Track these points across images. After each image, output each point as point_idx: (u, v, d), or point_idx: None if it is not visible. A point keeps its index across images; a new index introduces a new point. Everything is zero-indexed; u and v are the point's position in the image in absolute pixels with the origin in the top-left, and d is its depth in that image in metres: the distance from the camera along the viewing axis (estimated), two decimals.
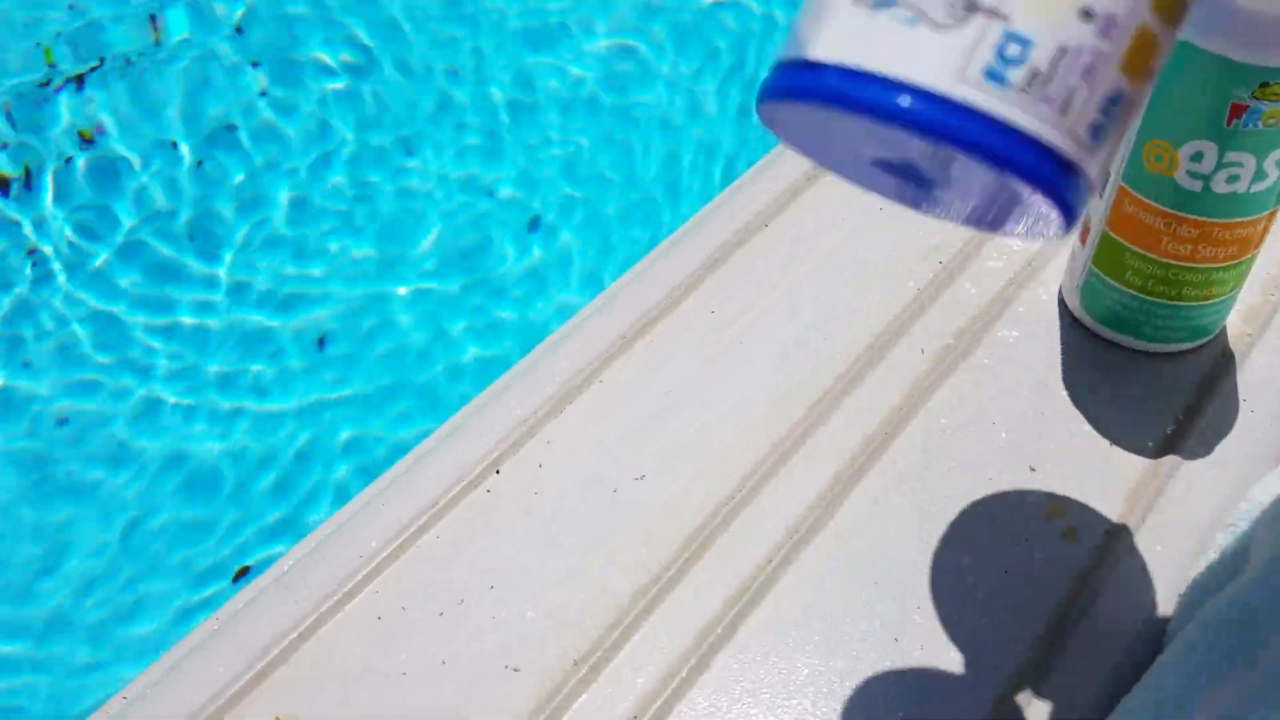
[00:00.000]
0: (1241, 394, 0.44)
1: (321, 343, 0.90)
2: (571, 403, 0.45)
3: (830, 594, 0.38)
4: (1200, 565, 0.38)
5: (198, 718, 0.36)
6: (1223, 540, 0.38)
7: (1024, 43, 0.17)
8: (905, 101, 0.17)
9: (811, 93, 0.18)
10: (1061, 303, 0.47)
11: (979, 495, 0.41)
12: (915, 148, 0.19)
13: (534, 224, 0.98)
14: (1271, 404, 0.43)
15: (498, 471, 0.42)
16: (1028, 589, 0.38)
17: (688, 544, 0.40)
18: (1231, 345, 0.45)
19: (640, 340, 0.47)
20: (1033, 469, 0.42)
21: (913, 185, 0.21)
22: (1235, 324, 0.46)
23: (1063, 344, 0.45)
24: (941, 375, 0.45)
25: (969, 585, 0.38)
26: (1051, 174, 0.18)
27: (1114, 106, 0.18)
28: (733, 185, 0.52)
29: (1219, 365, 0.45)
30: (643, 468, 0.42)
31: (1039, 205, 0.18)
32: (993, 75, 0.17)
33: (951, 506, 0.41)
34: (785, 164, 0.52)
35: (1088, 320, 0.45)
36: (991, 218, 0.21)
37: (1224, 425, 0.43)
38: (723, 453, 0.42)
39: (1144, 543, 0.39)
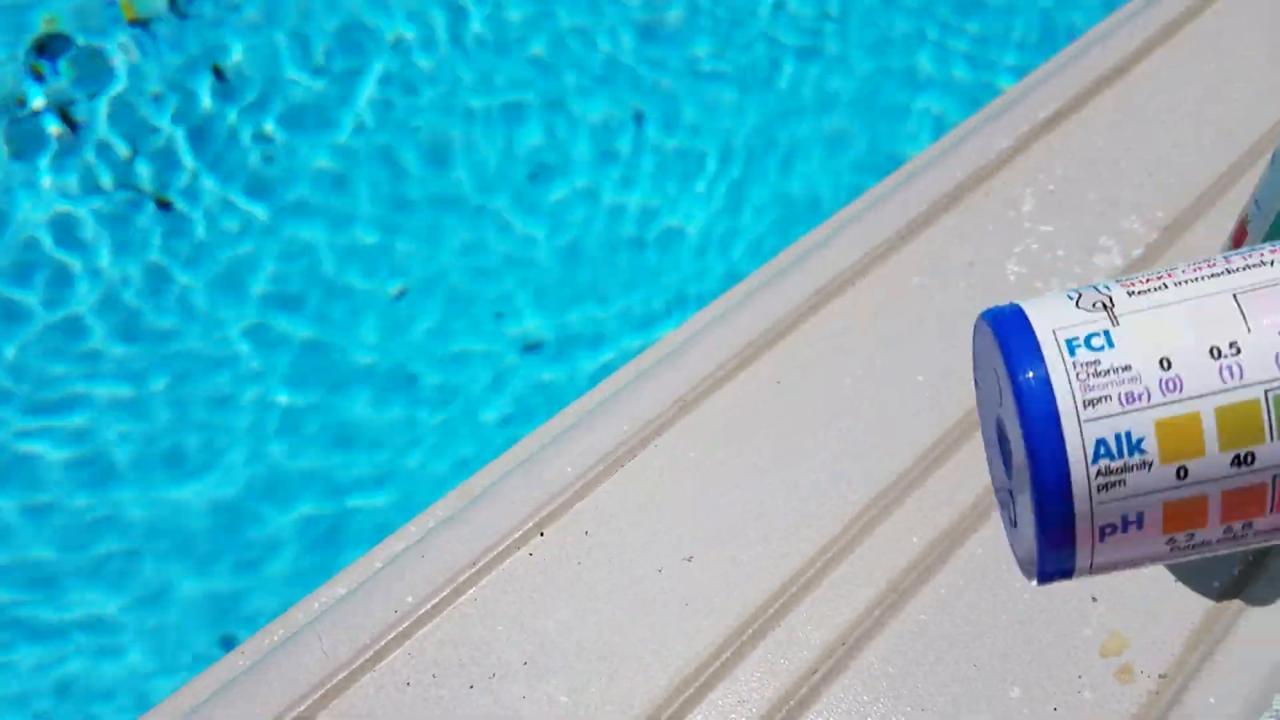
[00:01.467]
0: None
1: None
2: (624, 466, 0.43)
3: (871, 711, 0.37)
4: None
5: None
6: (1274, 711, 0.36)
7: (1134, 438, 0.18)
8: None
9: (992, 316, 0.19)
10: None
11: (1036, 623, 0.40)
12: (1010, 415, 0.19)
13: None
14: None
15: (542, 534, 0.41)
16: None
17: (726, 644, 0.39)
18: None
19: (701, 404, 0.45)
20: (1094, 599, 0.40)
21: (1002, 462, 0.22)
22: None
23: None
24: None
25: (1014, 718, 0.37)
26: (1050, 509, 0.18)
27: (1132, 527, 0.18)
28: (796, 245, 0.50)
29: None
30: (692, 548, 0.41)
31: (1029, 534, 0.19)
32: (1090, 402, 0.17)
33: (1007, 632, 0.39)
34: (854, 235, 0.50)
35: None
36: (1012, 523, 0.22)
37: None
38: (775, 543, 0.41)
39: (1196, 694, 0.38)
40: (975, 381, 0.23)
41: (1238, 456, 0.17)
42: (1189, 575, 0.41)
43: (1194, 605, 0.40)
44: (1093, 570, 0.19)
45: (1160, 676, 0.38)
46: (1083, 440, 0.17)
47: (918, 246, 0.50)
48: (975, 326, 0.20)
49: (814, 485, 0.43)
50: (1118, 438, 0.17)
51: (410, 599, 0.39)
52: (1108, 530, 0.18)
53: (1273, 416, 0.17)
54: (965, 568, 0.41)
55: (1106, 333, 0.18)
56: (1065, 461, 0.17)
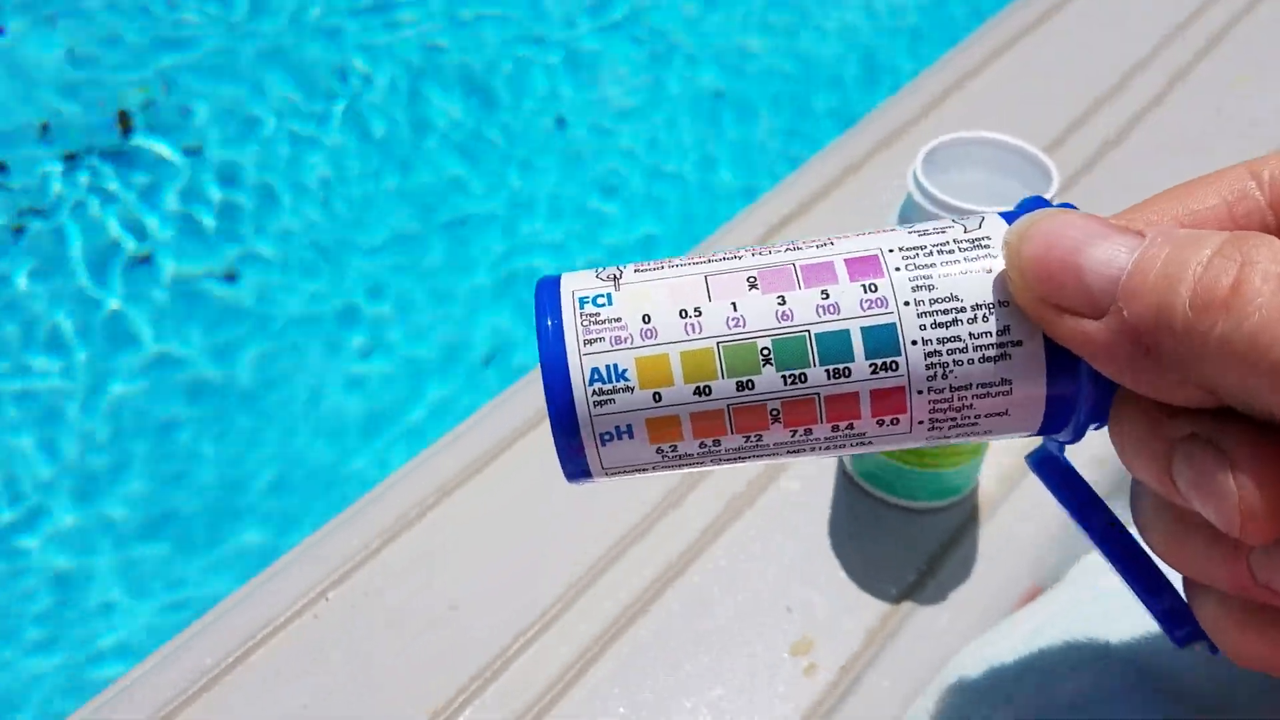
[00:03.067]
0: (982, 548, 0.50)
1: None
2: (398, 539, 0.51)
3: (600, 716, 0.45)
4: (909, 711, 0.44)
5: None
6: (931, 690, 0.44)
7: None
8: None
9: (539, 280, 0.24)
10: (839, 459, 0.53)
11: (741, 632, 0.47)
12: None
13: None
14: (1008, 559, 0.50)
15: (327, 599, 0.49)
16: (765, 719, 0.45)
17: (481, 671, 0.46)
18: (981, 503, 0.52)
19: (471, 481, 0.53)
20: (789, 609, 0.48)
21: None
22: (988, 485, 0.53)
23: (835, 496, 0.52)
24: (729, 520, 0.51)
25: (716, 713, 0.45)
26: (559, 418, 0.22)
27: (625, 436, 0.23)
28: None
29: (966, 521, 0.51)
30: (457, 599, 0.49)
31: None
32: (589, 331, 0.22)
33: (715, 642, 0.47)
34: None
35: (854, 476, 0.52)
36: None
37: (961, 576, 0.49)
38: (529, 587, 0.49)
39: (871, 680, 0.46)
40: None
41: (698, 388, 0.22)
42: (870, 584, 0.49)
43: (873, 608, 0.48)
44: (606, 471, 0.23)
45: (840, 668, 0.46)
46: (582, 368, 0.22)
47: None
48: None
49: (557, 542, 0.51)
50: (608, 368, 0.22)
51: (208, 660, 0.46)
52: (606, 437, 0.22)
53: (722, 361, 0.22)
54: (683, 593, 0.49)
55: (609, 294, 0.23)
56: (569, 383, 0.22)
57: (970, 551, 0.50)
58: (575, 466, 0.23)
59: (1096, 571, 0.45)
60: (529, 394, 0.57)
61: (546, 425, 0.54)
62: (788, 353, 0.22)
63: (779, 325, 0.22)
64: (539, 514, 0.52)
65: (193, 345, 1.06)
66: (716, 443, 0.23)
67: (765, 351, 0.22)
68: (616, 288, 0.23)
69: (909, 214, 0.43)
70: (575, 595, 0.49)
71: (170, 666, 0.46)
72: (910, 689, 0.45)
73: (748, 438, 0.22)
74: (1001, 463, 0.53)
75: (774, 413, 0.22)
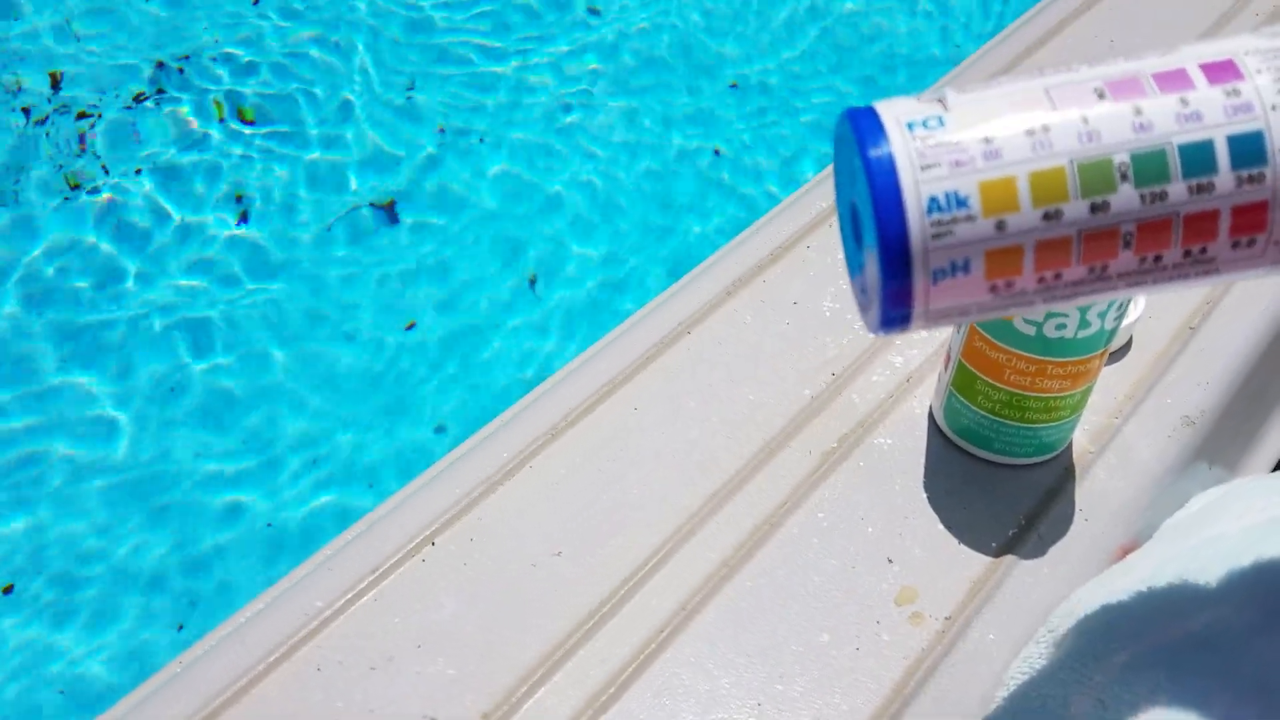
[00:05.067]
0: (1079, 504, 0.51)
1: None
2: (503, 484, 0.51)
3: (708, 662, 0.45)
4: (1023, 654, 0.44)
5: None
6: (1043, 635, 0.44)
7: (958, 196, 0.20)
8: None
9: (850, 111, 0.23)
10: (930, 416, 0.54)
11: (843, 582, 0.48)
12: (861, 188, 0.22)
13: None
14: (1104, 515, 0.50)
15: (433, 544, 0.49)
16: (875, 665, 0.45)
17: (590, 616, 0.46)
18: (1075, 461, 0.52)
19: (570, 430, 0.54)
20: (890, 560, 0.48)
21: (854, 245, 0.24)
22: (1081, 442, 0.53)
23: (928, 452, 0.52)
24: (824, 475, 0.52)
25: (825, 659, 0.45)
26: (891, 255, 0.20)
27: (960, 272, 0.21)
28: (656, 299, 0.59)
29: (1062, 478, 0.52)
30: (560, 545, 0.49)
31: (875, 285, 0.22)
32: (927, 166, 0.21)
33: (819, 591, 0.47)
34: (704, 281, 0.60)
35: (949, 433, 0.52)
36: (862, 291, 0.24)
37: (1060, 531, 0.50)
38: (631, 536, 0.49)
39: (978, 631, 0.46)
40: (835, 178, 0.25)
41: (1047, 212, 0.20)
42: (970, 538, 0.49)
43: (975, 561, 0.49)
44: (929, 316, 0.21)
45: (945, 619, 0.47)
46: (919, 196, 0.20)
47: (751, 291, 0.60)
48: (838, 122, 0.23)
49: (659, 489, 0.51)
50: (947, 195, 0.20)
51: (319, 603, 0.47)
52: (939, 274, 0.21)
53: (1076, 180, 0.20)
54: (783, 544, 0.49)
55: (939, 117, 0.21)
56: (903, 211, 0.20)
57: (1067, 508, 0.51)
58: (897, 311, 0.22)
59: (1198, 523, 0.46)
60: (627, 341, 0.57)
61: (642, 377, 0.55)
62: (1148, 167, 0.20)
63: (1136, 137, 0.20)
64: (635, 468, 0.52)
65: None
66: (1057, 276, 0.21)
67: (1123, 167, 0.20)
68: (946, 109, 0.21)
69: None
70: (677, 544, 0.49)
71: (281, 608, 0.46)
72: (1019, 637, 0.45)
73: (1091, 269, 0.21)
74: (1091, 421, 0.54)
75: (1126, 237, 0.20)
